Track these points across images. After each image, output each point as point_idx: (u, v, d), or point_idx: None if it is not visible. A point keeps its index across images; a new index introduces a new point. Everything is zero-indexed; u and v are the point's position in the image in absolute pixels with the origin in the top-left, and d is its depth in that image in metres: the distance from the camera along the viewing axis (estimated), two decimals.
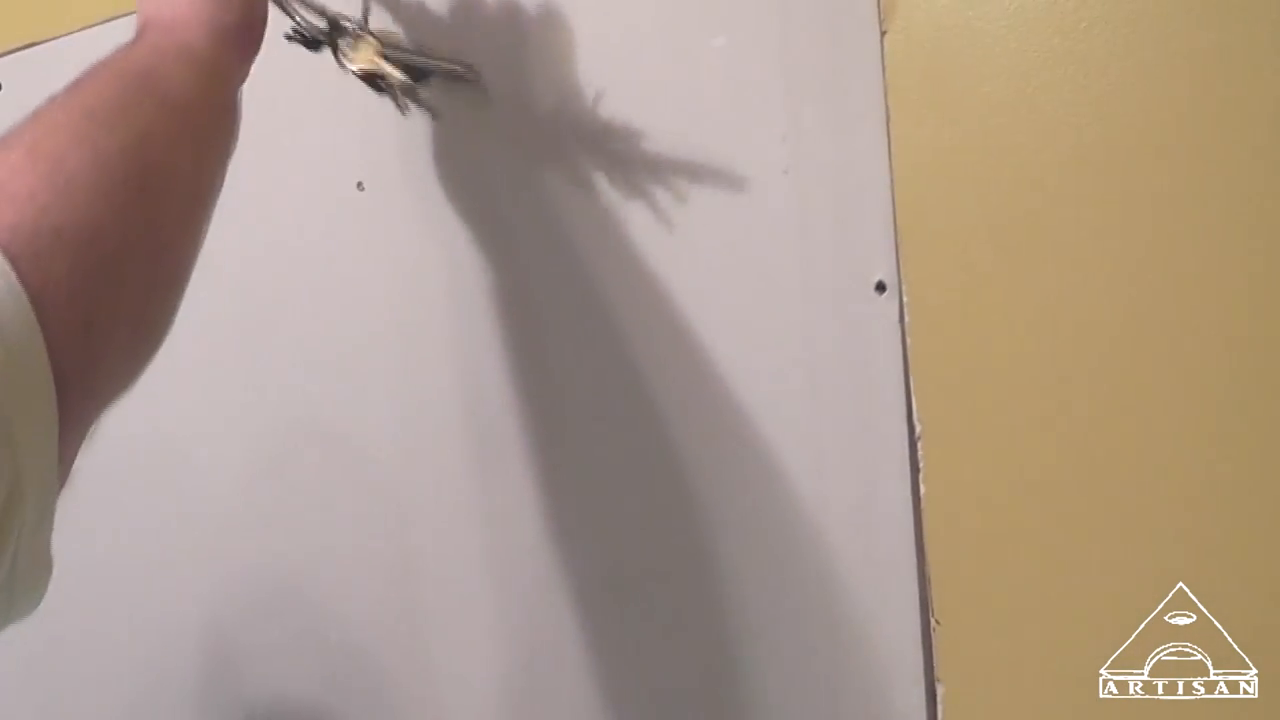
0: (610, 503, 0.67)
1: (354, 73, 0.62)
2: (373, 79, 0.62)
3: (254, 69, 0.55)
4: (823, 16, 0.57)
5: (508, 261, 0.69)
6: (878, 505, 0.57)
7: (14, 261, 0.36)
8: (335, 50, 0.62)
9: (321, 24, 0.62)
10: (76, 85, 0.44)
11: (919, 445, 0.57)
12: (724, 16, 0.59)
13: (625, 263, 0.64)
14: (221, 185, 0.50)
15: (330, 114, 0.72)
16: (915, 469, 0.57)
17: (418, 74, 0.64)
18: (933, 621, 0.56)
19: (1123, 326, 0.52)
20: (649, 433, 0.65)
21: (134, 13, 0.52)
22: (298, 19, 0.62)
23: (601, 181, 0.65)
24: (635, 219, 0.64)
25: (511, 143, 0.67)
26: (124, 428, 0.62)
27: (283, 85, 0.69)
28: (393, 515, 0.73)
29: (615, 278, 0.65)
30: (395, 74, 0.61)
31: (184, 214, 0.46)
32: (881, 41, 0.56)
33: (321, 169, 0.73)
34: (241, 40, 0.52)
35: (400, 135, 0.71)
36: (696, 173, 0.61)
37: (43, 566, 0.38)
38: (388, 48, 0.63)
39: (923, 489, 0.57)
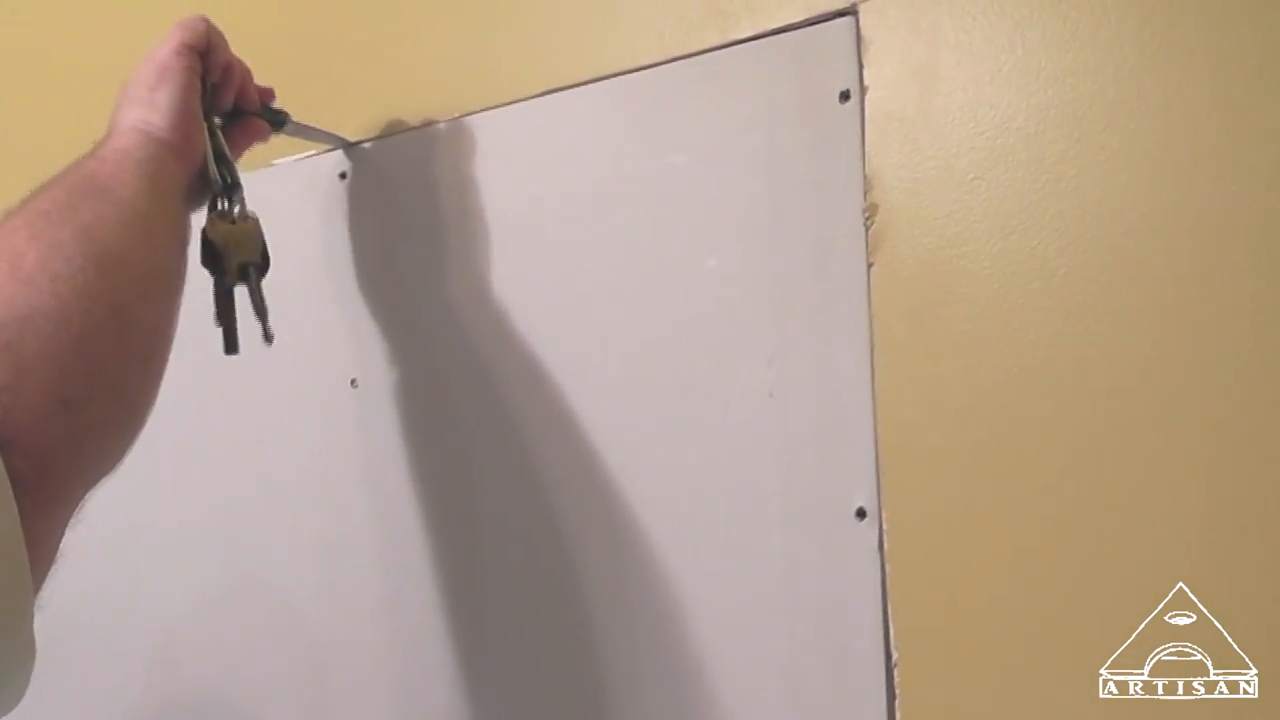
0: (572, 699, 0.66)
1: (207, 232, 0.62)
2: (222, 257, 0.63)
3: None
4: (812, 245, 0.59)
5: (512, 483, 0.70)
6: None
7: None
8: (218, 202, 0.63)
9: (229, 179, 0.64)
10: (32, 195, 0.50)
11: (895, 672, 0.57)
12: (718, 239, 0.61)
13: (610, 478, 0.65)
14: (181, 270, 0.55)
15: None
16: (891, 695, 0.57)
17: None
18: None
19: (1103, 560, 0.52)
20: (624, 649, 0.65)
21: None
22: (214, 160, 0.62)
23: (591, 394, 0.66)
24: (623, 433, 0.65)
25: (504, 354, 0.70)
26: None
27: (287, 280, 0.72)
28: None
29: (600, 492, 0.66)
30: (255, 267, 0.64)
31: (144, 291, 0.50)
32: (868, 273, 0.58)
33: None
34: (174, 149, 0.58)
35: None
36: (684, 390, 0.63)
37: (23, 655, 0.40)
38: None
39: (898, 716, 0.56)
